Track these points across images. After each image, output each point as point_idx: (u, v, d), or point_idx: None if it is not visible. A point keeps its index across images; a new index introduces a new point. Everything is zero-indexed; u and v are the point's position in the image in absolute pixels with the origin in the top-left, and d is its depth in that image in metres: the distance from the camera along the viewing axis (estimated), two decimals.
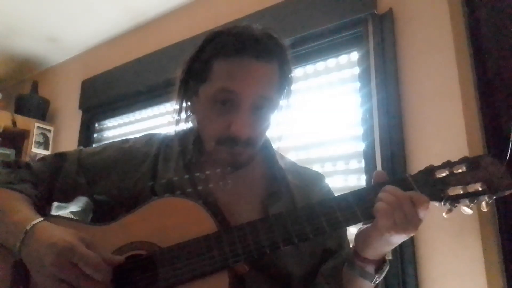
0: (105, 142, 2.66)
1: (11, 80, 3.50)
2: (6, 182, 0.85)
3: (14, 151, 2.85)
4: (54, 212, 0.93)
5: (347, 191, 0.74)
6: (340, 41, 1.73)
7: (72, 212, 0.95)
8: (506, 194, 0.68)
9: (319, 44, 1.77)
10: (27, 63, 3.24)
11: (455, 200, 0.70)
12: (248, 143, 0.79)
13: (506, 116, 1.27)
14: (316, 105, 1.77)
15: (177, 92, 0.87)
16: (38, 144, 2.90)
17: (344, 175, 1.63)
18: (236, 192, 0.86)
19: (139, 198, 0.83)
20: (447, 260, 1.27)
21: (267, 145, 0.93)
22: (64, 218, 0.86)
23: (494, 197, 0.69)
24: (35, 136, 2.88)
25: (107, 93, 2.65)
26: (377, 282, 0.75)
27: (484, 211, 0.71)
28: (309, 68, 1.84)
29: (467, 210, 0.70)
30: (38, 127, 2.91)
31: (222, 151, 0.80)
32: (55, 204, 0.94)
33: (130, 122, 2.65)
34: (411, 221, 0.67)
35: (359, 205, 0.71)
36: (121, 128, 2.72)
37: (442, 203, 0.70)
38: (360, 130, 1.60)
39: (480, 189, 0.68)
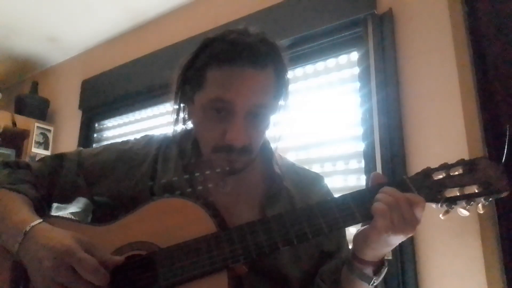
0: (105, 142, 2.68)
1: (11, 80, 3.50)
2: (6, 182, 0.85)
3: (14, 151, 2.86)
4: (53, 213, 0.93)
5: (347, 191, 0.74)
6: (340, 41, 1.73)
7: (71, 213, 0.95)
8: (502, 196, 0.69)
9: (319, 44, 1.77)
10: (27, 63, 3.24)
11: (452, 202, 0.70)
12: (244, 150, 0.78)
13: (506, 116, 1.26)
14: (316, 105, 1.78)
15: (174, 99, 0.86)
16: (38, 144, 2.90)
17: (344, 175, 1.63)
18: (235, 193, 0.86)
19: (138, 199, 0.83)
20: (447, 260, 1.27)
21: (265, 146, 0.93)
22: (64, 218, 0.86)
23: (490, 199, 0.69)
24: (35, 136, 2.88)
25: (107, 93, 2.65)
26: (375, 284, 0.75)
27: (485, 212, 0.71)
28: (309, 68, 1.84)
29: (464, 212, 0.71)
30: (38, 127, 2.91)
31: (218, 159, 0.79)
32: (54, 205, 0.94)
33: (130, 122, 2.65)
34: (408, 222, 0.67)
35: (358, 206, 0.72)
36: (121, 128, 2.72)
37: (439, 204, 0.71)
38: (360, 130, 1.60)
39: (477, 191, 0.69)
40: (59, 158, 0.93)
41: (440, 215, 0.72)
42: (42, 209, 0.86)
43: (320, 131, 1.73)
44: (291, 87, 0.88)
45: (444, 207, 0.71)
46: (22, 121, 2.85)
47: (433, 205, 0.72)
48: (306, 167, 1.01)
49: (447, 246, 1.28)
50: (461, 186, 0.70)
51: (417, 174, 0.75)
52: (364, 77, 1.62)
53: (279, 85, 0.83)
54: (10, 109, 2.98)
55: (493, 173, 0.69)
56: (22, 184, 0.85)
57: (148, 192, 0.85)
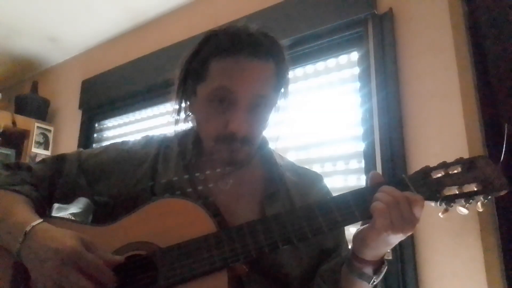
0: (105, 142, 2.69)
1: (11, 80, 3.50)
2: (7, 183, 0.85)
3: (14, 151, 2.86)
4: (54, 213, 0.93)
5: (347, 191, 0.74)
6: (340, 41, 1.73)
7: (72, 213, 0.95)
8: (501, 194, 0.69)
9: (319, 44, 1.77)
10: (27, 63, 3.24)
11: (450, 200, 0.70)
12: (246, 140, 0.79)
13: (506, 116, 1.26)
14: (316, 105, 1.78)
15: (175, 92, 0.87)
16: (38, 144, 2.90)
17: (344, 175, 1.63)
18: (235, 192, 0.86)
19: (139, 199, 0.83)
20: (447, 260, 1.27)
21: (265, 146, 0.94)
22: (64, 219, 0.87)
23: (489, 197, 0.69)
24: (35, 136, 2.88)
25: (107, 93, 2.65)
26: (375, 283, 0.75)
27: (484, 211, 0.71)
28: (309, 68, 1.84)
29: (463, 210, 0.71)
30: (38, 127, 2.91)
31: (221, 150, 0.80)
32: (55, 205, 0.94)
33: (130, 122, 2.65)
34: (407, 220, 0.67)
35: (357, 204, 0.72)
36: (121, 128, 2.72)
37: (438, 203, 0.71)
38: (360, 130, 1.60)
39: (475, 189, 0.69)
40: (60, 159, 0.93)
41: (439, 214, 0.72)
42: (43, 210, 0.86)
43: (320, 131, 1.73)
44: (291, 87, 0.89)
45: (443, 206, 0.71)
46: (22, 121, 2.85)
47: (432, 204, 0.72)
48: (306, 167, 1.02)
49: (447, 246, 1.28)
50: (460, 184, 0.70)
51: (416, 172, 0.75)
52: (364, 77, 1.62)
53: (280, 79, 0.84)
54: (10, 109, 2.98)
55: (491, 171, 0.69)
56: (23, 185, 0.86)
57: (149, 192, 0.85)
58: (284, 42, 0.85)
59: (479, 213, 1.19)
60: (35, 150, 2.85)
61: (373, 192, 0.72)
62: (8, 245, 0.76)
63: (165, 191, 0.83)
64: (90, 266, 0.68)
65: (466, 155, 0.74)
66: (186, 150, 0.90)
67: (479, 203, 0.70)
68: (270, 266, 0.79)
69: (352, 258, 0.75)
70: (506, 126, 1.06)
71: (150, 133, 1.01)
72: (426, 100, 1.43)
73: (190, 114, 0.89)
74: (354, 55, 1.71)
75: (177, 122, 0.90)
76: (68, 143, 2.85)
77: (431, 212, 0.74)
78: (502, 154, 0.77)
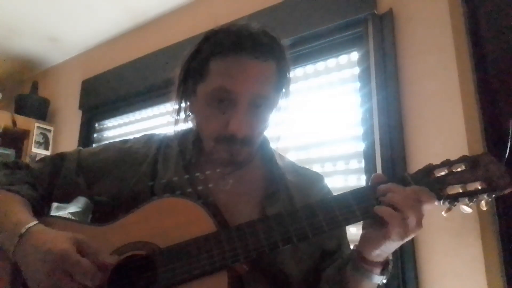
0: (105, 142, 2.68)
1: (11, 80, 3.50)
2: (5, 183, 0.85)
3: (14, 151, 2.85)
4: (53, 212, 0.93)
5: (348, 191, 0.74)
6: (340, 41, 1.73)
7: (71, 213, 0.95)
8: (506, 192, 0.68)
9: (319, 44, 1.77)
10: (27, 63, 3.24)
11: (454, 199, 0.70)
12: (246, 141, 0.78)
13: (506, 116, 1.26)
14: (316, 105, 1.77)
15: (176, 92, 0.87)
16: (38, 144, 2.90)
17: (344, 175, 1.63)
18: (235, 192, 0.86)
19: (138, 198, 0.83)
20: (447, 260, 1.27)
21: (265, 146, 0.93)
22: (63, 218, 0.86)
23: (494, 195, 0.69)
24: (35, 136, 2.88)
25: (107, 93, 2.65)
26: (384, 282, 0.75)
27: (485, 211, 0.71)
28: (309, 68, 1.84)
29: (467, 209, 0.70)
30: (38, 127, 2.91)
31: (221, 150, 0.79)
32: (55, 204, 0.94)
33: (130, 122, 2.65)
34: (419, 220, 0.67)
35: (358, 204, 0.71)
36: (121, 128, 2.72)
37: (441, 202, 0.70)
38: (360, 130, 1.60)
39: (480, 187, 0.68)
40: (59, 158, 0.93)
41: (443, 213, 0.72)
42: (41, 209, 0.86)
43: (320, 131, 1.73)
44: (291, 86, 0.88)
45: (447, 204, 0.70)
46: (22, 121, 2.85)
47: (435, 203, 0.71)
48: (307, 167, 1.01)
49: (447, 246, 1.28)
50: (464, 183, 0.69)
51: (419, 171, 0.74)
52: (364, 77, 1.62)
53: (281, 79, 0.83)
54: (10, 109, 2.98)
55: (495, 170, 0.69)
56: (21, 184, 0.85)
57: (148, 191, 0.85)
58: (284, 42, 0.84)
59: (479, 213, 1.19)
60: (35, 150, 2.85)
61: (374, 191, 0.71)
62: (4, 247, 0.75)
63: (165, 190, 0.83)
64: (79, 270, 0.67)
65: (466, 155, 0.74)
66: (186, 150, 0.89)
67: (483, 202, 0.69)
68: (271, 266, 0.79)
69: (360, 260, 0.74)
70: (511, 124, 1.06)
71: (148, 133, 1.01)
72: (426, 100, 1.43)
73: (190, 114, 0.89)
74: (354, 55, 1.71)
75: (177, 122, 0.89)
76: (68, 143, 2.84)
77: (431, 212, 0.73)
78: (507, 152, 0.76)
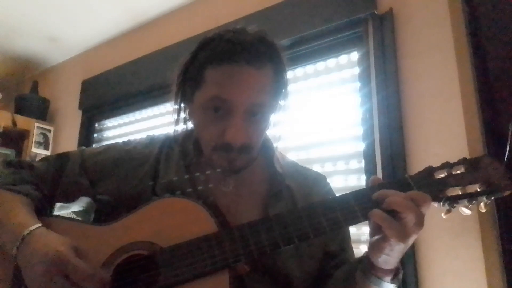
0: (105, 142, 2.68)
1: (11, 80, 3.50)
2: (8, 183, 0.85)
3: (14, 151, 2.86)
4: (57, 211, 0.94)
5: (347, 191, 0.74)
6: (340, 41, 1.73)
7: (74, 212, 0.95)
8: (505, 195, 0.68)
9: (319, 44, 1.77)
10: (27, 63, 3.24)
11: (454, 201, 0.70)
12: (243, 149, 0.78)
13: (506, 116, 1.26)
14: (316, 105, 1.78)
15: (174, 98, 0.86)
16: (38, 144, 2.90)
17: (344, 175, 1.63)
18: (236, 192, 0.86)
19: (140, 199, 0.83)
20: (447, 260, 1.27)
21: (267, 146, 0.93)
22: (66, 218, 0.87)
23: (493, 197, 0.69)
24: (35, 136, 2.88)
25: (107, 93, 2.65)
26: None
27: (485, 211, 0.71)
28: (309, 68, 1.84)
29: (466, 211, 0.70)
30: (38, 127, 2.91)
31: (219, 158, 0.79)
32: (58, 204, 0.94)
33: (130, 122, 2.65)
34: (418, 222, 0.66)
35: (359, 205, 0.71)
36: (121, 128, 2.72)
37: (441, 203, 0.71)
38: (360, 130, 1.60)
39: (479, 190, 0.69)
40: (62, 158, 0.93)
41: (442, 214, 0.72)
42: (44, 209, 0.86)
43: (320, 131, 1.73)
44: (291, 87, 0.88)
45: (446, 206, 0.70)
46: (22, 121, 2.85)
47: (435, 204, 0.71)
48: (308, 167, 1.01)
49: (447, 246, 1.28)
50: (463, 185, 0.69)
51: (419, 173, 0.74)
52: (364, 77, 1.62)
53: (278, 84, 0.82)
54: (10, 109, 2.98)
55: (495, 172, 0.69)
56: (24, 184, 0.86)
57: (150, 192, 0.85)
58: (284, 42, 0.84)
59: (479, 213, 1.19)
60: (35, 150, 2.85)
61: (374, 192, 0.71)
62: (7, 247, 0.76)
63: (167, 191, 0.83)
64: (76, 272, 0.67)
65: (466, 155, 0.74)
66: (187, 151, 0.90)
67: (482, 204, 0.70)
68: (273, 266, 0.79)
69: (370, 268, 0.73)
70: (510, 126, 1.06)
71: (150, 133, 1.01)
72: (426, 100, 1.43)
73: (188, 119, 0.89)
74: (354, 55, 1.71)
75: (176, 124, 0.89)
76: (68, 143, 2.84)
77: (431, 212, 0.73)
78: (506, 154, 0.76)
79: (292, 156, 1.74)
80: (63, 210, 0.94)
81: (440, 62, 1.42)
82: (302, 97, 1.82)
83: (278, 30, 1.79)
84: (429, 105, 1.42)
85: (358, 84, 1.65)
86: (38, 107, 2.98)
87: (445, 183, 0.71)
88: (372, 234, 0.72)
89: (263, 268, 0.78)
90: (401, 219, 0.65)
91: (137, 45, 2.59)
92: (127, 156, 0.91)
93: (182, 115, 0.88)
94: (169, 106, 2.37)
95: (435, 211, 0.73)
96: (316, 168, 1.67)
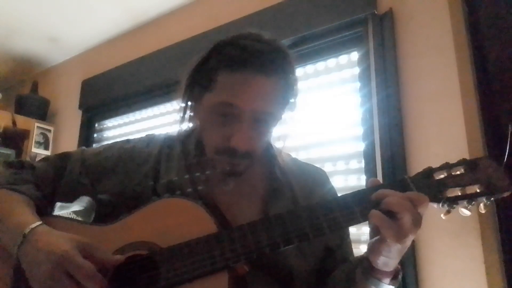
0: (105, 142, 2.68)
1: (11, 80, 3.50)
2: (9, 183, 0.85)
3: (14, 151, 2.85)
4: (57, 211, 0.94)
5: (347, 192, 0.74)
6: (340, 41, 1.73)
7: (74, 212, 0.95)
8: (504, 196, 0.69)
9: (319, 44, 1.77)
10: (27, 63, 3.24)
11: (453, 202, 0.70)
12: (247, 155, 0.79)
13: (506, 116, 1.26)
14: (316, 105, 1.78)
15: (181, 96, 0.87)
16: (38, 144, 2.90)
17: (344, 175, 1.63)
18: (237, 192, 0.86)
19: (141, 198, 0.83)
20: (447, 260, 1.27)
21: (268, 144, 0.93)
22: (66, 218, 0.87)
23: (492, 198, 0.69)
24: (35, 136, 2.88)
25: (107, 93, 2.65)
26: None
27: (485, 212, 0.71)
28: (309, 68, 1.84)
29: (465, 212, 0.70)
30: (38, 127, 2.91)
31: (221, 161, 0.80)
32: (58, 203, 0.94)
33: (130, 122, 2.65)
34: (415, 222, 0.66)
35: (359, 206, 0.71)
36: (121, 128, 2.72)
37: (440, 204, 0.71)
38: (360, 130, 1.60)
39: (478, 190, 0.68)
40: (62, 158, 0.93)
41: (442, 215, 0.72)
42: (45, 209, 0.86)
43: (320, 131, 1.73)
44: (297, 99, 0.88)
45: (446, 207, 0.70)
46: (22, 121, 2.85)
47: (435, 205, 0.71)
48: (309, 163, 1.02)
49: (447, 246, 1.28)
50: (463, 186, 0.69)
51: (418, 173, 0.74)
52: (364, 77, 1.62)
53: (287, 95, 0.83)
54: (10, 109, 2.98)
55: (494, 173, 0.69)
56: (25, 184, 0.86)
57: (151, 191, 0.85)
58: (284, 42, 0.84)
59: (479, 213, 1.19)
60: (35, 150, 2.85)
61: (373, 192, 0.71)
62: (7, 246, 0.76)
63: (168, 191, 0.83)
64: (79, 272, 0.67)
65: (466, 155, 0.74)
66: (188, 151, 0.90)
67: (481, 205, 0.70)
68: (274, 262, 0.79)
69: (370, 269, 0.74)
70: (510, 127, 1.06)
71: (151, 133, 1.01)
72: (426, 100, 1.43)
73: (194, 118, 0.89)
74: (354, 55, 1.71)
75: (181, 123, 0.89)
76: (68, 143, 2.84)
77: (431, 213, 0.73)
78: (506, 155, 0.76)
79: (294, 156, 1.74)
80: (63, 210, 0.94)
81: (440, 62, 1.42)
82: (302, 97, 1.82)
83: (278, 30, 1.79)
84: (429, 105, 1.42)
85: (358, 84, 1.65)
86: (38, 107, 2.98)
87: (444, 184, 0.71)
88: (371, 235, 0.72)
89: (265, 265, 0.78)
90: (399, 219, 0.65)
91: (137, 45, 2.59)
92: (127, 156, 0.91)
93: (188, 114, 0.88)
94: (169, 106, 2.39)
95: (434, 211, 0.73)
96: None
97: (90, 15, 2.57)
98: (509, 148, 0.86)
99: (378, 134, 1.50)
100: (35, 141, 2.87)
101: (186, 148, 0.90)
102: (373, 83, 1.56)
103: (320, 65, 1.81)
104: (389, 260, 0.70)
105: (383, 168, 1.45)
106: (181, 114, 0.88)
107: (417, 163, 1.39)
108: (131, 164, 0.90)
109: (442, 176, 0.72)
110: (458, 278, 1.24)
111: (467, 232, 1.24)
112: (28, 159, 2.74)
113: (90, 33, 2.79)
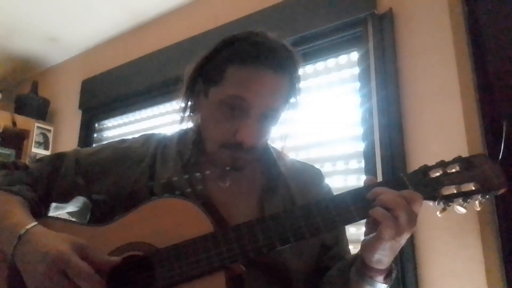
0: (105, 142, 2.68)
1: (11, 80, 3.50)
2: (3, 184, 0.85)
3: (14, 151, 2.86)
4: (52, 212, 0.93)
5: (345, 191, 0.74)
6: (340, 41, 1.73)
7: (69, 212, 0.95)
8: (499, 193, 0.69)
9: (319, 44, 1.77)
10: (27, 63, 3.24)
11: (448, 200, 0.70)
12: (250, 149, 0.80)
13: (505, 115, 1.26)
14: (316, 105, 1.77)
15: (184, 89, 0.87)
16: (38, 144, 2.90)
17: (344, 175, 1.63)
18: (234, 191, 0.86)
19: (136, 198, 0.83)
20: (447, 260, 1.27)
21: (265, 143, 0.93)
22: (61, 219, 0.86)
23: (487, 196, 0.69)
24: (35, 136, 2.88)
25: (107, 93, 2.65)
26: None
27: (484, 211, 0.71)
28: (309, 68, 1.84)
29: (461, 210, 0.70)
30: (38, 127, 2.91)
31: (225, 154, 0.81)
32: (53, 204, 0.93)
33: (130, 122, 2.65)
34: (410, 220, 0.66)
35: (355, 204, 0.71)
36: (121, 128, 2.72)
37: (436, 202, 0.71)
38: (360, 130, 1.60)
39: (474, 188, 0.68)
40: (57, 158, 0.93)
41: (437, 213, 0.72)
42: (39, 210, 0.86)
43: (320, 131, 1.73)
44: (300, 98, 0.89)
45: (441, 205, 0.70)
46: (22, 121, 2.85)
47: (430, 203, 0.71)
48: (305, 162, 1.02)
49: (447, 246, 1.28)
50: (458, 183, 0.69)
51: (414, 172, 0.74)
52: (364, 77, 1.61)
53: (292, 92, 0.85)
54: (10, 109, 2.98)
55: (490, 170, 0.69)
56: (19, 185, 0.85)
57: (147, 191, 0.85)
58: (299, 55, 0.86)
59: (479, 213, 1.19)
60: (35, 150, 2.85)
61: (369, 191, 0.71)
62: (3, 247, 0.75)
63: (164, 191, 0.83)
64: (76, 273, 0.67)
65: (466, 155, 0.74)
66: (185, 150, 0.89)
67: (477, 202, 0.70)
68: (271, 263, 0.79)
69: (363, 268, 0.74)
70: (504, 124, 1.06)
71: (146, 133, 1.01)
72: (426, 100, 1.42)
73: (194, 113, 0.89)
74: (354, 55, 1.71)
75: (182, 120, 0.90)
76: (68, 143, 2.84)
77: (431, 212, 0.73)
78: (501, 152, 0.76)
79: (292, 156, 1.74)
80: (58, 210, 0.94)
81: (440, 62, 1.41)
82: (302, 97, 1.81)
83: (278, 30, 1.78)
84: (428, 105, 1.41)
85: (358, 84, 1.64)
86: (38, 107, 2.98)
87: (440, 182, 0.71)
88: (367, 233, 0.72)
89: (263, 263, 0.78)
90: (394, 217, 0.66)
91: (137, 45, 2.59)
92: (122, 155, 0.91)
93: (188, 110, 0.89)
94: (169, 106, 2.38)
95: (434, 212, 0.73)
96: None
97: (90, 15, 2.57)
98: (503, 144, 0.86)
99: (378, 134, 1.50)
100: (35, 141, 2.87)
101: (183, 147, 0.90)
102: (373, 83, 1.55)
103: (320, 65, 1.81)
104: (383, 258, 0.70)
105: (383, 168, 1.45)
106: (183, 107, 0.88)
107: (417, 163, 1.36)
108: (126, 164, 0.89)
109: (437, 174, 0.72)
110: (458, 278, 1.24)
111: (467, 232, 1.23)
112: (28, 159, 2.74)
113: (90, 33, 2.79)
